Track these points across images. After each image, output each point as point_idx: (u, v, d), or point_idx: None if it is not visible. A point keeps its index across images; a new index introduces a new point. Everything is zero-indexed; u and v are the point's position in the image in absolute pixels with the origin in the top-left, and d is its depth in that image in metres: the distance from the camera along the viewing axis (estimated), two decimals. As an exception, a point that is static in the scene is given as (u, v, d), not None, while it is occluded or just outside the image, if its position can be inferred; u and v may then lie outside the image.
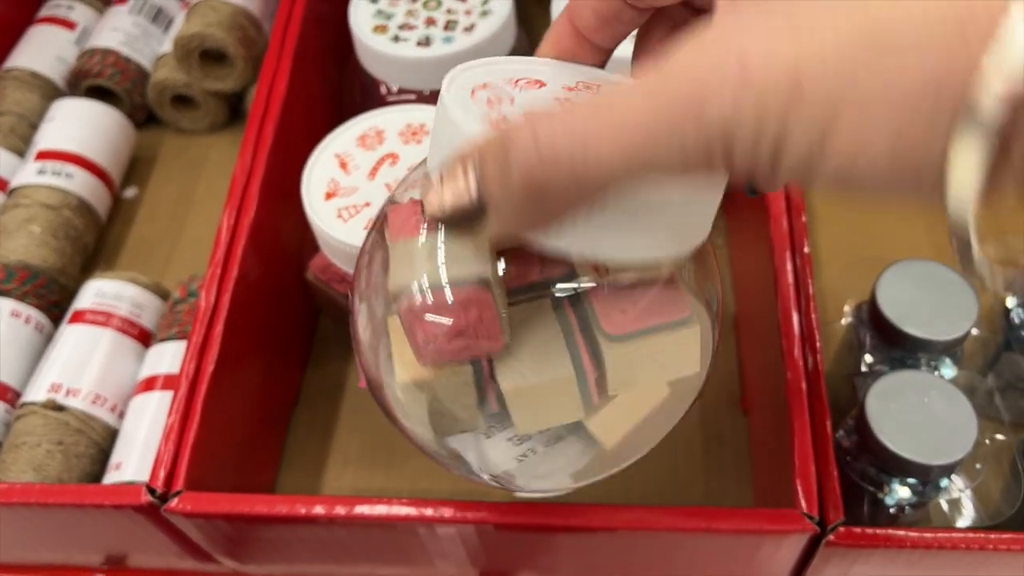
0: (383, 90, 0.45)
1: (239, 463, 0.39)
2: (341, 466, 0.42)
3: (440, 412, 0.25)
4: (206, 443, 0.34)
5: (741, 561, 0.33)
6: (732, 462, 0.40)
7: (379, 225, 0.26)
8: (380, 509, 0.31)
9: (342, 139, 0.39)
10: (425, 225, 0.23)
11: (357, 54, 0.44)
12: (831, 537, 0.29)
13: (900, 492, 0.32)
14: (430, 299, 0.22)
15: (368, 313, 0.26)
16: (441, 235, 0.23)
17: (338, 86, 0.48)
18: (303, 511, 0.31)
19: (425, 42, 0.42)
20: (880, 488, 0.33)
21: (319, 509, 0.31)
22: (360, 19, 0.44)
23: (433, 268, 0.23)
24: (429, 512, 0.31)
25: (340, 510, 0.31)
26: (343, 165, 0.38)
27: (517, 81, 0.24)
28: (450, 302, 0.22)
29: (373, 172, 0.37)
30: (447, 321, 0.22)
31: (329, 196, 0.37)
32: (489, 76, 0.25)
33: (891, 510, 0.33)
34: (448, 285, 0.22)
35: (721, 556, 0.33)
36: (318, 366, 0.45)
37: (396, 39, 0.42)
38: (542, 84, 0.24)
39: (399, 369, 0.25)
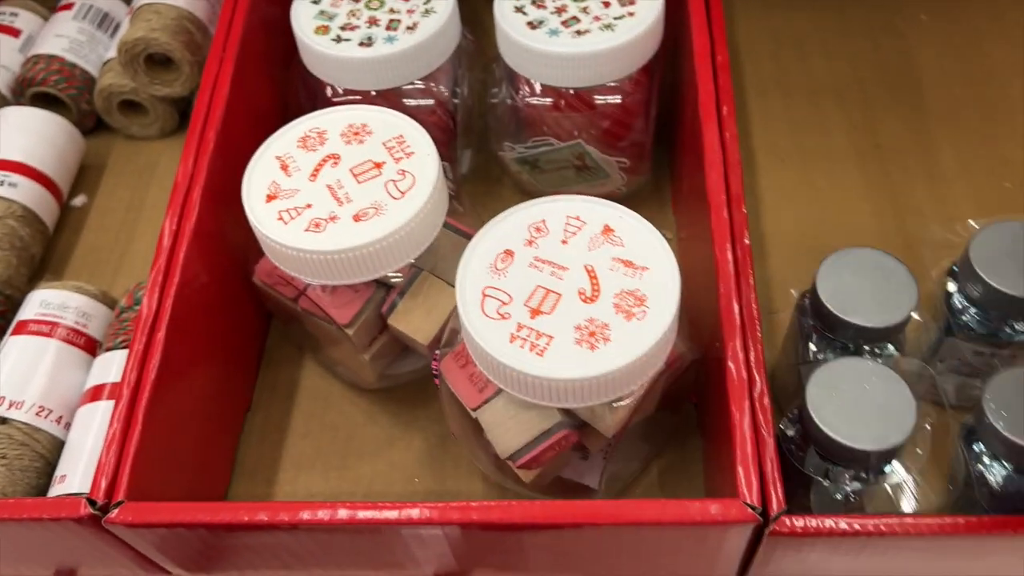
0: (329, 92, 0.44)
1: (190, 471, 0.39)
2: (295, 471, 0.42)
3: None
4: (150, 452, 0.34)
5: (690, 553, 0.33)
6: (683, 455, 0.40)
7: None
8: (323, 514, 0.31)
9: (283, 141, 0.38)
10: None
11: (301, 56, 0.44)
12: (774, 527, 0.29)
13: (844, 480, 0.33)
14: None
15: None
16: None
17: (284, 89, 0.47)
18: (246, 518, 0.31)
19: (367, 42, 0.42)
20: (825, 476, 0.33)
21: (262, 516, 0.31)
22: (302, 20, 0.43)
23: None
24: (368, 515, 0.30)
25: (284, 516, 0.31)
26: (284, 167, 0.37)
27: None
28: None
29: (315, 173, 0.37)
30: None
31: (270, 199, 0.36)
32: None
33: (836, 497, 0.33)
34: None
35: (670, 549, 0.33)
36: (270, 370, 0.45)
37: (338, 39, 0.42)
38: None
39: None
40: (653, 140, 0.46)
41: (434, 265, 0.39)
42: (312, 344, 0.44)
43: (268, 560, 0.35)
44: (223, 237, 0.41)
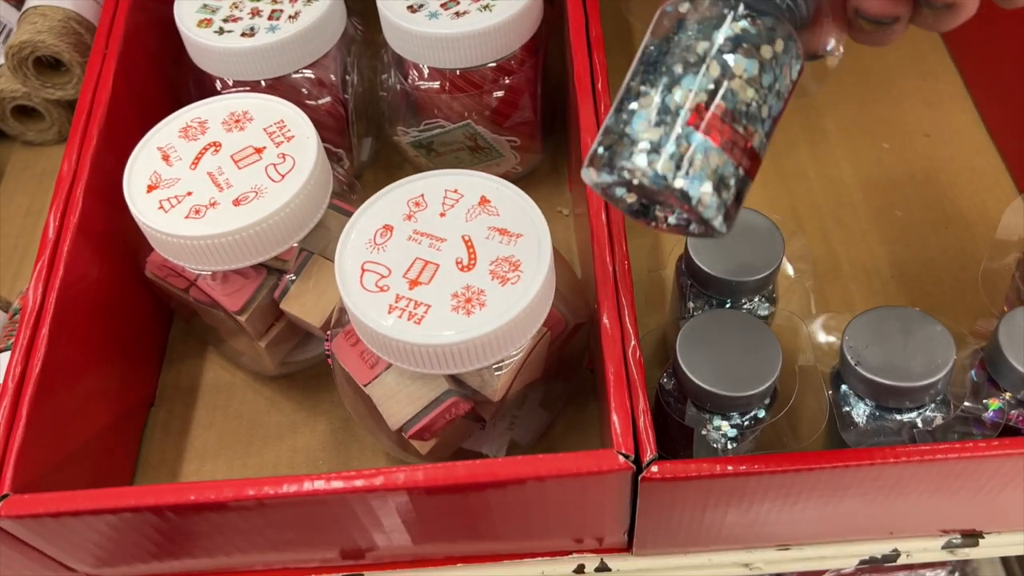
0: (218, 85, 0.44)
1: (89, 466, 0.39)
2: (199, 461, 0.42)
3: None
4: (39, 447, 0.34)
5: (579, 505, 0.34)
6: (581, 419, 0.41)
7: None
8: (209, 494, 0.31)
9: (164, 132, 0.39)
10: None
11: (187, 50, 0.44)
12: (645, 473, 0.30)
13: (721, 427, 0.34)
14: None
15: None
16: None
17: (175, 85, 0.47)
18: (132, 502, 0.31)
19: (250, 32, 0.42)
20: (703, 426, 0.34)
21: (150, 499, 0.31)
22: (184, 14, 0.43)
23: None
24: (251, 491, 0.31)
25: (170, 498, 0.31)
26: (165, 157, 0.38)
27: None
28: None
29: (195, 162, 0.37)
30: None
31: (151, 189, 0.37)
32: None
33: (715, 446, 0.34)
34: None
35: (559, 503, 0.33)
36: (174, 364, 0.45)
37: (221, 31, 0.42)
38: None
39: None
40: (542, 118, 0.47)
41: (324, 248, 0.39)
42: (214, 337, 0.44)
43: (164, 549, 0.35)
44: (116, 234, 0.41)
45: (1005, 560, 0.57)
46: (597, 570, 0.38)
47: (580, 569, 0.38)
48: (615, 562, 0.38)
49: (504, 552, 0.38)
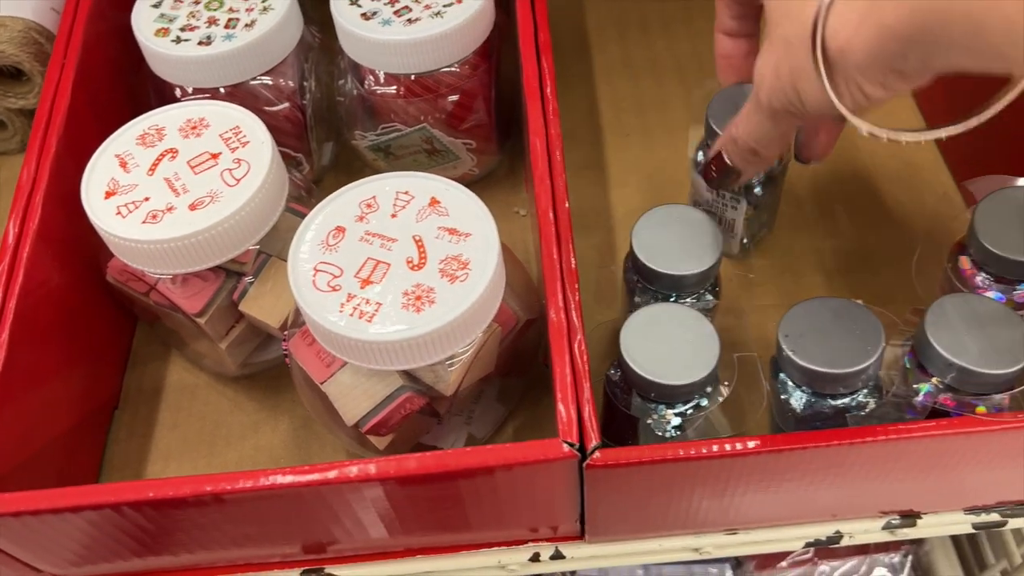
0: (178, 93, 0.45)
1: (52, 469, 0.39)
2: (163, 462, 0.42)
3: None
4: (0, 451, 0.35)
5: (530, 495, 0.35)
6: (536, 414, 0.43)
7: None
8: (168, 490, 0.32)
9: (122, 140, 0.39)
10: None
11: (146, 59, 0.45)
12: (589, 460, 0.31)
13: (665, 416, 0.35)
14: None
15: None
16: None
17: (135, 94, 0.48)
18: (92, 500, 0.32)
19: (207, 41, 0.43)
20: (648, 416, 0.35)
21: (109, 497, 0.32)
22: (142, 24, 0.44)
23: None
24: (208, 487, 0.32)
25: (130, 495, 0.32)
26: (123, 164, 0.38)
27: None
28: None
29: (152, 168, 0.38)
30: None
31: (108, 195, 0.37)
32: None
33: (660, 434, 0.35)
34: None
35: (510, 492, 0.34)
36: (137, 368, 0.46)
37: (178, 40, 0.43)
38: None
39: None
40: (498, 122, 0.49)
41: (282, 251, 0.40)
42: (176, 340, 0.45)
43: (128, 547, 0.36)
44: (76, 240, 0.42)
45: (957, 543, 0.59)
46: (552, 558, 0.39)
47: (535, 557, 0.39)
48: (569, 549, 0.39)
49: (461, 543, 0.39)
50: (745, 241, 0.45)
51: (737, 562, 0.60)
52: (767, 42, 0.31)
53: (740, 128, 0.34)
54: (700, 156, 0.42)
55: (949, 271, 0.38)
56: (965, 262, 0.37)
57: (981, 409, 0.34)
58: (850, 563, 0.59)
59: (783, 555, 0.59)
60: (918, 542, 0.60)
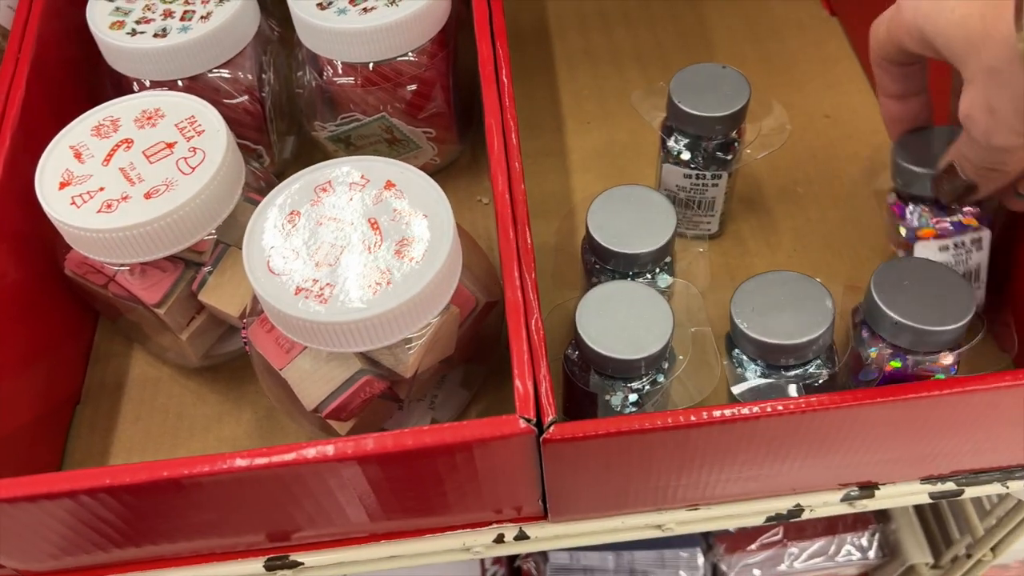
0: (135, 87, 0.45)
1: (14, 465, 0.39)
2: (126, 455, 0.42)
3: None
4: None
5: (491, 474, 0.35)
6: (500, 398, 0.43)
7: None
8: (127, 478, 0.32)
9: (76, 131, 0.39)
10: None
11: (102, 52, 0.45)
12: (546, 435, 0.32)
13: (622, 392, 0.35)
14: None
15: None
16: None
17: (94, 88, 0.48)
18: (44, 489, 0.32)
19: (162, 33, 0.43)
20: (606, 392, 0.36)
21: (61, 486, 0.32)
22: (97, 17, 0.44)
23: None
24: (165, 473, 0.32)
25: (85, 482, 0.32)
26: (78, 155, 0.38)
27: None
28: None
29: (107, 158, 0.38)
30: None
31: (63, 186, 0.37)
32: None
33: (618, 410, 0.36)
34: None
35: (470, 472, 0.35)
36: (99, 364, 0.45)
37: (133, 33, 0.43)
38: None
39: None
40: (459, 110, 0.49)
41: (239, 240, 0.40)
42: (138, 335, 0.45)
43: (88, 540, 0.36)
44: (33, 236, 0.41)
45: (923, 520, 0.59)
46: (516, 538, 0.39)
47: (500, 539, 0.39)
48: (533, 530, 0.39)
49: (426, 527, 0.39)
50: (723, 215, 0.45)
51: (708, 546, 0.60)
52: (966, 84, 0.28)
53: (968, 153, 0.31)
54: (673, 141, 0.42)
55: (888, 221, 0.39)
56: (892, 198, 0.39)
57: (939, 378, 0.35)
58: (819, 543, 0.59)
59: (752, 538, 0.60)
60: (885, 520, 0.60)
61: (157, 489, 0.32)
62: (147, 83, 0.45)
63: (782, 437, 0.34)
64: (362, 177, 0.37)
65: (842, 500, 0.40)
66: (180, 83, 0.45)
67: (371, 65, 0.45)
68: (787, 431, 0.33)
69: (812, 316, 0.33)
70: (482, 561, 0.65)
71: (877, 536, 0.59)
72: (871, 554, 0.60)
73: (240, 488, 0.34)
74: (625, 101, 0.55)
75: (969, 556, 0.51)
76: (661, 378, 0.35)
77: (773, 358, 0.34)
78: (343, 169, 0.37)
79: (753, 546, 0.59)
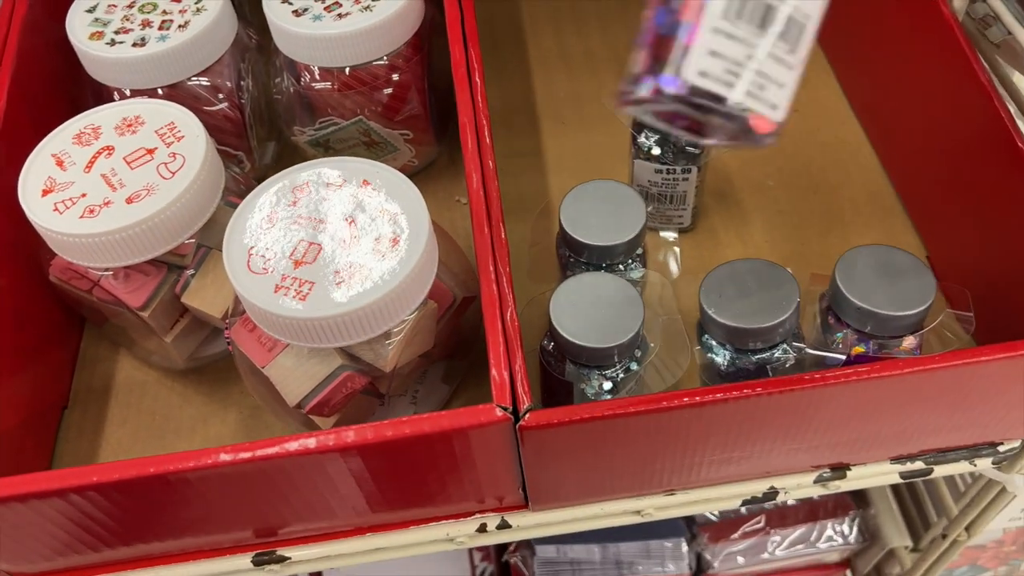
0: (116, 96, 0.46)
1: (1, 469, 0.40)
2: (113, 458, 0.43)
3: None
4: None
5: (470, 464, 0.36)
6: (480, 392, 0.44)
7: None
8: (115, 475, 0.33)
9: (58, 140, 0.40)
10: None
11: (82, 63, 0.46)
12: (522, 422, 0.33)
13: (596, 380, 0.36)
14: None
15: None
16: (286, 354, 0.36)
17: (75, 99, 0.49)
18: (33, 488, 0.32)
19: (141, 42, 0.44)
20: (581, 381, 0.37)
21: (49, 484, 0.32)
22: (76, 28, 0.45)
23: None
24: (152, 469, 0.32)
25: (73, 480, 0.33)
26: (60, 163, 0.39)
27: None
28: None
29: (89, 165, 0.39)
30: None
31: (46, 193, 0.38)
32: None
33: (593, 398, 0.37)
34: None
35: (450, 461, 0.35)
36: (86, 368, 0.46)
37: (112, 43, 0.44)
38: None
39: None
40: (436, 112, 0.50)
41: (221, 243, 0.41)
42: (124, 339, 0.45)
43: (77, 539, 0.36)
44: (18, 245, 0.42)
45: (902, 506, 0.60)
46: (498, 527, 0.40)
47: (482, 528, 0.40)
48: (515, 519, 0.40)
49: (409, 519, 0.40)
50: (695, 208, 0.46)
51: (692, 536, 0.61)
52: None
53: None
54: (644, 138, 0.44)
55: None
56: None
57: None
58: (800, 530, 0.60)
59: (736, 527, 0.61)
60: (864, 506, 0.61)
61: (144, 485, 0.33)
62: (127, 92, 0.46)
63: (752, 419, 0.35)
64: (339, 177, 0.38)
65: (815, 482, 0.41)
66: (160, 91, 0.46)
67: (347, 69, 0.46)
68: (757, 412, 0.34)
69: (778, 300, 0.35)
70: (471, 559, 0.66)
71: (857, 522, 0.60)
72: (852, 539, 0.61)
73: (226, 483, 0.34)
74: (599, 102, 0.56)
75: (944, 537, 0.52)
76: (634, 365, 0.36)
77: (741, 342, 0.35)
78: (320, 170, 0.38)
79: (736, 535, 0.60)
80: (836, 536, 0.60)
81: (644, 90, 0.27)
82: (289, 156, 0.53)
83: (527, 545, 0.61)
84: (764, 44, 0.27)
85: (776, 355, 0.36)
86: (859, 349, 0.36)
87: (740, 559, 0.61)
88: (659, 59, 0.27)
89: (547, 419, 0.32)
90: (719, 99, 0.26)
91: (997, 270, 0.42)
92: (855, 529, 0.60)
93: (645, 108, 0.28)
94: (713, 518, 0.62)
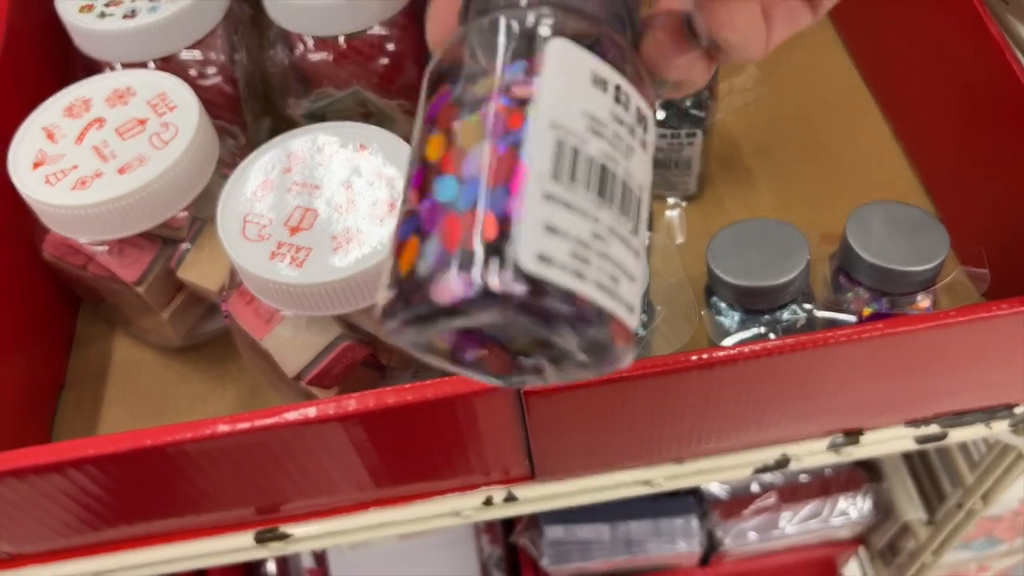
0: (107, 71, 0.45)
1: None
2: (112, 438, 0.42)
3: None
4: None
5: (475, 433, 0.35)
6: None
7: None
8: (111, 447, 0.32)
9: (48, 112, 0.39)
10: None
11: (72, 37, 0.45)
12: (526, 387, 0.32)
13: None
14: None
15: None
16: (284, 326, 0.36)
17: (67, 75, 0.48)
18: (31, 462, 0.32)
19: (131, 14, 0.43)
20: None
21: (47, 458, 0.32)
22: (66, 1, 0.44)
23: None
24: (149, 441, 0.32)
25: (70, 453, 0.32)
26: (50, 136, 0.38)
27: None
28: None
29: (80, 138, 0.38)
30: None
31: (37, 165, 0.37)
32: None
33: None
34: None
35: (457, 432, 0.35)
36: (82, 348, 0.45)
37: (102, 15, 0.43)
38: None
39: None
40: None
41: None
42: (121, 319, 0.45)
43: (73, 516, 0.36)
44: (10, 223, 0.41)
45: (916, 478, 0.60)
46: (505, 500, 0.39)
47: (488, 501, 0.39)
48: (521, 491, 0.39)
49: (414, 492, 0.39)
50: (700, 174, 0.46)
51: (703, 513, 0.60)
52: None
53: None
54: None
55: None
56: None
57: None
58: (812, 505, 0.59)
59: (747, 503, 0.60)
60: (877, 479, 0.60)
61: (142, 459, 0.32)
62: (118, 66, 0.45)
63: (763, 381, 0.34)
64: (335, 142, 0.37)
65: (828, 448, 0.40)
66: (152, 65, 0.45)
67: (342, 39, 0.45)
68: (767, 374, 0.33)
69: (787, 259, 0.34)
70: (479, 542, 0.65)
71: (870, 495, 0.59)
72: (865, 513, 0.60)
73: (225, 457, 0.34)
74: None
75: (960, 507, 0.51)
76: (641, 330, 0.36)
77: (751, 302, 0.34)
78: (315, 135, 0.37)
79: (747, 511, 0.59)
80: (849, 510, 0.59)
81: (441, 296, 0.17)
82: (284, 131, 0.52)
83: (535, 525, 0.60)
84: (606, 218, 0.19)
85: (785, 316, 0.35)
86: (869, 310, 0.35)
87: (752, 535, 0.60)
88: (452, 244, 0.18)
89: (552, 385, 0.32)
90: (570, 299, 0.18)
91: (1010, 231, 0.41)
92: (868, 502, 0.60)
93: (425, 329, 0.18)
94: (724, 495, 0.61)
